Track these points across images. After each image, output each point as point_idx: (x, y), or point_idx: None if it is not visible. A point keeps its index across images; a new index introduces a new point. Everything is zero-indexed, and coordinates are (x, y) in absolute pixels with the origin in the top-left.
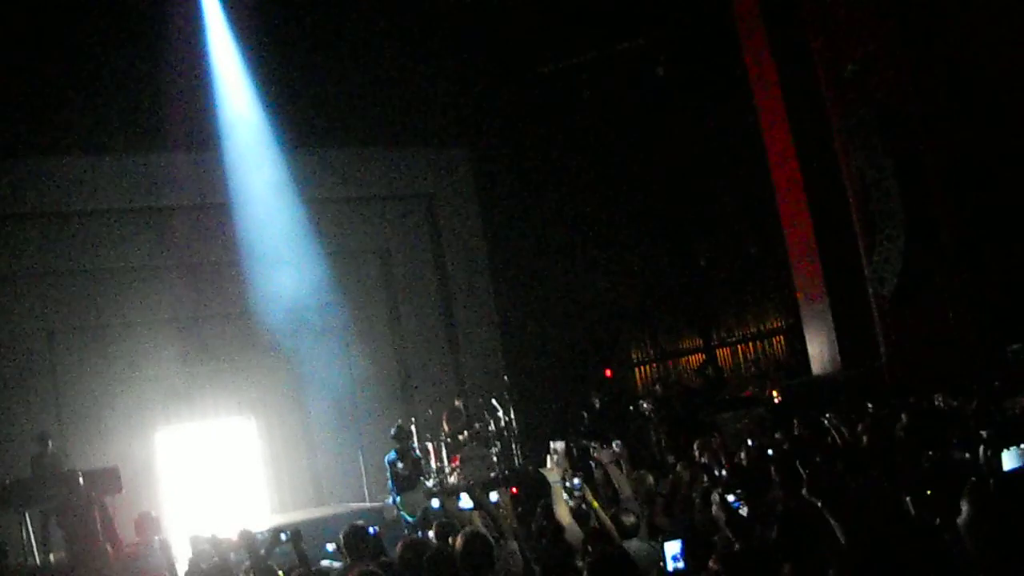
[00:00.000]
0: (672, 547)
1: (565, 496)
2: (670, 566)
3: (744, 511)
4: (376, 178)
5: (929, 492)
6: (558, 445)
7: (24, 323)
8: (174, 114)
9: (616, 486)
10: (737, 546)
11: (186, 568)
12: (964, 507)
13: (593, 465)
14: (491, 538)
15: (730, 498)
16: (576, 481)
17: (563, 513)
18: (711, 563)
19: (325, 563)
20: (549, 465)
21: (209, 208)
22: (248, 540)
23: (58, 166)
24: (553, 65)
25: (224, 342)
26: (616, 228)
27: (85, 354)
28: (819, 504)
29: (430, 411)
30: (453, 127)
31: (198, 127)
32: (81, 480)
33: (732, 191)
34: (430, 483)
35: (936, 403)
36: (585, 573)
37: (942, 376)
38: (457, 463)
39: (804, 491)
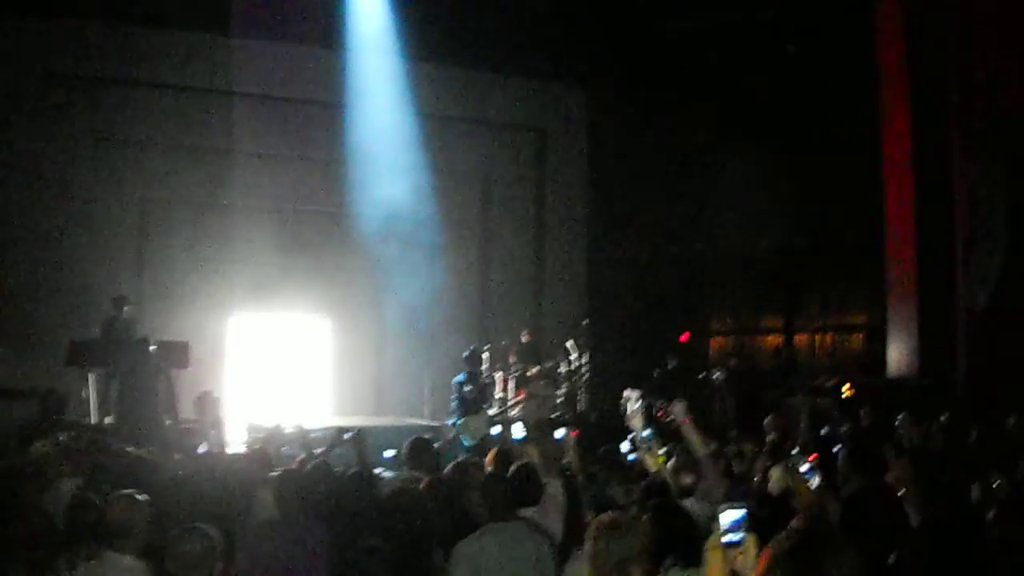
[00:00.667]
0: (732, 515)
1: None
2: (725, 536)
3: (815, 483)
4: (492, 103)
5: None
6: (633, 393)
7: (121, 189)
8: (307, 6)
9: (688, 444)
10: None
11: (239, 452)
12: None
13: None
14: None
15: (803, 468)
16: (646, 433)
17: (651, 462)
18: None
19: (380, 470)
20: (630, 411)
21: (324, 105)
22: (303, 436)
23: (181, 40)
24: (682, 23)
25: (314, 239)
26: (720, 191)
27: (176, 229)
28: (900, 490)
29: (504, 342)
30: (575, 66)
31: (327, 23)
32: (151, 349)
33: (840, 178)
34: (492, 411)
35: (1008, 425)
36: (645, 517)
37: (1020, 399)
38: (522, 397)
39: (887, 476)
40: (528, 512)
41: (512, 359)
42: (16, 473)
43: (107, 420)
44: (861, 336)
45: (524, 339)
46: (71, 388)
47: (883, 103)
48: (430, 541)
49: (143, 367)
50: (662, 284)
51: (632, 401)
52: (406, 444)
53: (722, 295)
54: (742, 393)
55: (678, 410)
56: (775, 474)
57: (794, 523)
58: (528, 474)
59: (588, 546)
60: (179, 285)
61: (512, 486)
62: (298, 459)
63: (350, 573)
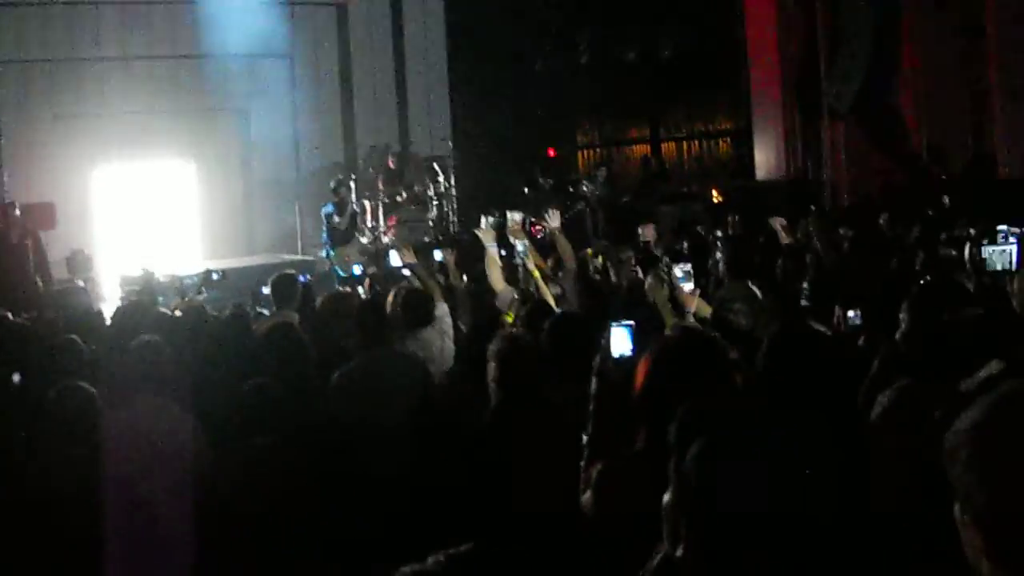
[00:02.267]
0: (620, 331)
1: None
2: (617, 351)
3: (688, 287)
4: None
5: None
6: (516, 215)
7: None
8: None
9: (560, 255)
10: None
11: (114, 307)
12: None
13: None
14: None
15: (677, 272)
16: (520, 246)
17: (496, 277)
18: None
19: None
20: (483, 226)
21: None
22: (176, 283)
23: None
24: None
25: (171, 85)
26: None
27: (28, 89)
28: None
29: (371, 170)
30: None
31: None
32: (16, 213)
33: None
34: (364, 240)
35: (880, 224)
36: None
37: (886, 200)
38: (393, 224)
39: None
40: (423, 333)
41: (380, 186)
42: None
43: None
44: (728, 141)
45: (390, 165)
46: None
47: None
48: (307, 374)
49: (10, 232)
50: (527, 100)
51: (511, 220)
52: (269, 282)
53: (587, 108)
54: (614, 203)
55: (554, 219)
56: (648, 281)
57: (668, 331)
58: (416, 298)
59: (491, 367)
60: (38, 145)
61: (405, 311)
62: (172, 305)
63: (235, 416)
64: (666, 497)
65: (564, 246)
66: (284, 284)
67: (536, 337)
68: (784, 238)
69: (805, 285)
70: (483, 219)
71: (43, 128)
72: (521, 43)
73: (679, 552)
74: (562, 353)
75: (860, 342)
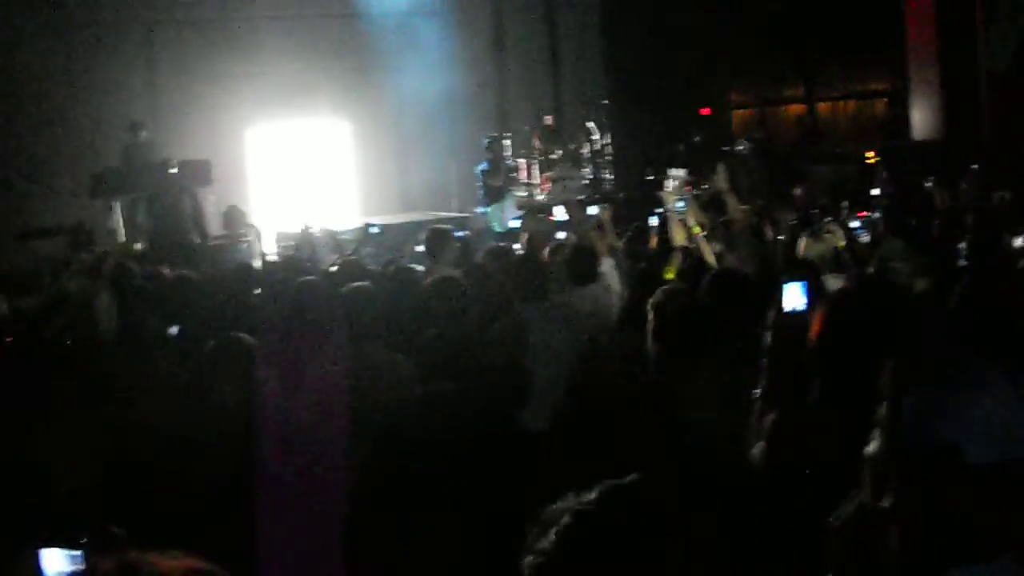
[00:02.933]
0: (794, 287)
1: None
2: (790, 306)
3: (865, 239)
4: None
5: None
6: (678, 172)
7: (122, 14)
8: None
9: (730, 214)
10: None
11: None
12: None
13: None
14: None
15: (853, 224)
16: (680, 204)
17: (679, 236)
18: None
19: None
20: (669, 188)
21: None
22: (332, 238)
23: None
24: None
25: (325, 43)
26: None
27: (184, 48)
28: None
29: (527, 127)
30: None
31: None
32: (173, 170)
33: None
34: (519, 195)
35: None
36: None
37: None
38: (548, 183)
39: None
40: (588, 289)
41: (535, 143)
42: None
43: (137, 247)
44: (883, 102)
45: (546, 123)
46: (98, 220)
47: None
48: (469, 327)
49: (166, 189)
50: (681, 58)
51: (675, 180)
52: (424, 236)
53: (742, 68)
54: (768, 163)
55: (719, 175)
56: (806, 240)
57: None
58: (582, 253)
59: (649, 320)
60: (194, 103)
61: (571, 266)
62: (329, 261)
63: (405, 367)
64: (872, 447)
65: (734, 205)
66: (438, 238)
67: (694, 291)
68: (940, 202)
69: (963, 246)
70: (669, 180)
71: (199, 87)
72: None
73: (885, 502)
74: (722, 307)
75: None
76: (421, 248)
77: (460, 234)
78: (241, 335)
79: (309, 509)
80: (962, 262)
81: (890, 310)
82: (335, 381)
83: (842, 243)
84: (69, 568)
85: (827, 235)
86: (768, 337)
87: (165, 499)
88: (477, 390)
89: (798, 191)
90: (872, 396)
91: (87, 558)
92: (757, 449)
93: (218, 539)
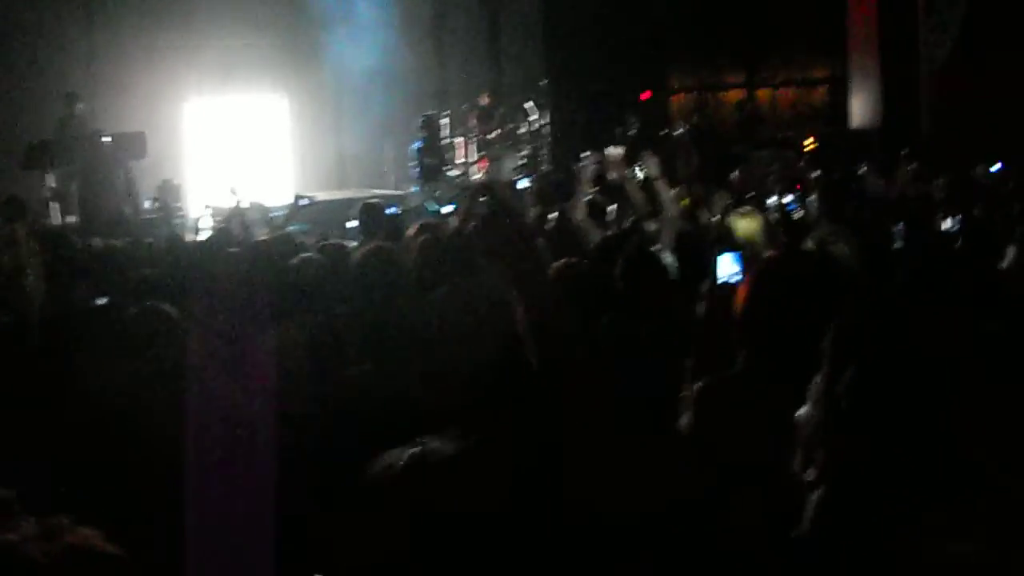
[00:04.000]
0: (728, 257)
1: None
2: (724, 275)
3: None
4: None
5: None
6: (616, 150)
7: None
8: None
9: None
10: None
11: (204, 236)
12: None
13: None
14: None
15: (787, 199)
16: (637, 170)
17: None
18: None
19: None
20: (612, 154)
21: None
22: (264, 213)
23: None
24: None
25: (264, 17)
26: None
27: (122, 20)
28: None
29: (464, 107)
30: None
31: None
32: (107, 142)
33: None
34: (454, 173)
35: (975, 174)
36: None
37: (983, 151)
38: (485, 164)
39: None
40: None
41: (472, 123)
42: None
43: (69, 219)
44: (824, 90)
45: (483, 102)
46: (30, 192)
47: None
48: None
49: (100, 161)
50: (621, 42)
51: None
52: (358, 211)
53: (682, 53)
54: (706, 148)
55: (653, 165)
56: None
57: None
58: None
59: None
60: (130, 75)
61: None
62: (259, 235)
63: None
64: (802, 412)
65: (665, 193)
66: (370, 214)
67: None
68: (873, 188)
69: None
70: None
71: (135, 59)
72: None
73: (810, 475)
74: (636, 286)
75: None
76: (353, 224)
77: (392, 210)
78: (163, 305)
79: (238, 486)
80: (897, 244)
81: (818, 278)
82: (262, 355)
83: (758, 222)
84: None
85: (747, 212)
86: (701, 307)
87: (83, 471)
88: (398, 365)
89: (736, 176)
90: (801, 364)
91: None
92: (684, 419)
93: (138, 514)
